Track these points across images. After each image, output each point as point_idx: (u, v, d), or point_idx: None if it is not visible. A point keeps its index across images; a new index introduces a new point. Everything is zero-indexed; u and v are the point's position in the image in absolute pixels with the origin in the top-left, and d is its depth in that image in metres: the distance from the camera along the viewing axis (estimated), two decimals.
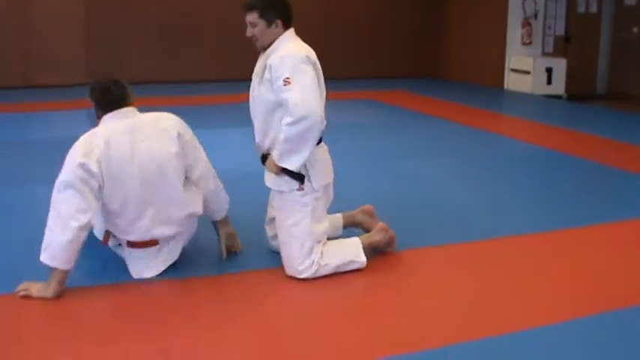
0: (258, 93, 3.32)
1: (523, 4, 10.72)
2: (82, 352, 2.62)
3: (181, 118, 3.42)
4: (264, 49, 3.34)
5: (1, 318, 2.90)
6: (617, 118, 8.86)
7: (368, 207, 3.77)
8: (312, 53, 3.32)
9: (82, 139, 3.18)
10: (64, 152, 3.12)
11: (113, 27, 10.48)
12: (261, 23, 3.29)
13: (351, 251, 3.39)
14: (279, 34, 3.31)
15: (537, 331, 2.81)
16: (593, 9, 11.14)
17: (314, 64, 3.27)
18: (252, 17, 3.30)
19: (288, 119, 3.14)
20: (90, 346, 2.66)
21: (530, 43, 10.82)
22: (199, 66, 10.91)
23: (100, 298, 3.09)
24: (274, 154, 3.26)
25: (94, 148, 3.11)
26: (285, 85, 3.14)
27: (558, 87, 10.53)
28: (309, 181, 3.28)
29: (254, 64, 3.42)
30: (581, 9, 11.09)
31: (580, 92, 10.66)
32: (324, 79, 3.34)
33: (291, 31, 3.36)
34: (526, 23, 10.77)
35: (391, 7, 12.04)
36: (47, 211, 3.04)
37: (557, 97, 10.41)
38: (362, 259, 3.39)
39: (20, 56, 10.09)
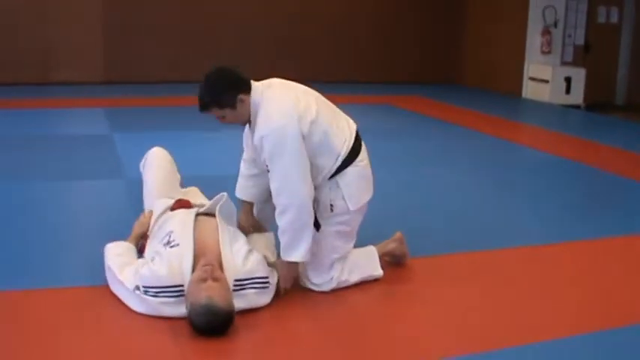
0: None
1: (543, 12, 10.66)
2: (88, 346, 2.63)
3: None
4: (249, 122, 3.12)
5: (10, 313, 2.90)
6: (636, 129, 8.78)
7: (399, 235, 3.55)
8: (288, 106, 3.00)
9: None
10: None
11: (132, 25, 10.51)
12: (227, 111, 3.03)
13: (370, 267, 3.32)
14: (250, 103, 3.04)
15: (549, 344, 2.78)
16: (614, 19, 11.06)
17: (298, 122, 2.97)
18: (214, 113, 3.05)
19: (276, 211, 3.03)
20: (96, 340, 2.67)
21: (549, 51, 10.75)
22: (217, 65, 10.92)
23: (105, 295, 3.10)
24: (281, 251, 3.06)
25: None
26: (268, 171, 3.02)
27: (577, 97, 10.46)
28: (344, 200, 3.12)
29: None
30: (602, 19, 11.01)
31: (599, 102, 10.59)
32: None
33: (257, 90, 3.06)
34: (546, 32, 10.71)
35: (409, 11, 11.99)
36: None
37: (576, 106, 10.34)
38: (379, 273, 3.34)
39: (38, 53, 10.14)
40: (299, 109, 3.03)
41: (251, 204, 3.44)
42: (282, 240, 3.03)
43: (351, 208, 3.15)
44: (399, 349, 2.72)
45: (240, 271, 2.91)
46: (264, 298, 2.97)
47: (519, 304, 3.18)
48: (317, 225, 3.11)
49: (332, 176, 3.11)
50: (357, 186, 3.18)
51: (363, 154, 3.23)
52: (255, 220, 3.45)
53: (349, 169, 3.14)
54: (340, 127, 3.17)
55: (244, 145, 3.37)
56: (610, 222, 4.50)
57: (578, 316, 3.07)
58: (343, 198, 3.13)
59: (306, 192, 2.99)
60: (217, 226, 3.06)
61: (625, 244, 4.08)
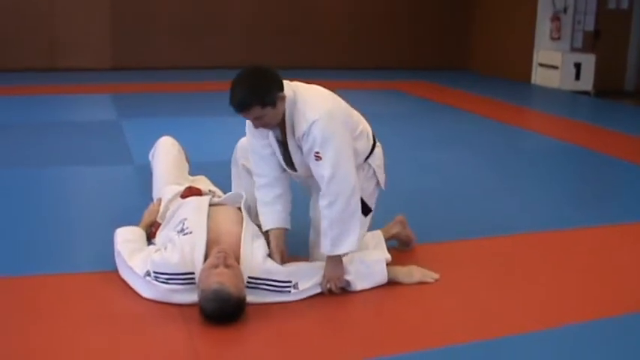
0: (307, 171, 3.02)
1: None
2: (96, 331, 2.64)
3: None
4: (282, 122, 2.95)
5: (19, 299, 2.91)
6: None
7: (400, 218, 3.53)
8: (326, 92, 3.01)
9: None
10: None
11: (139, 11, 10.50)
12: (268, 111, 2.83)
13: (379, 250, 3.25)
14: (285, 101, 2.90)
15: (558, 331, 2.77)
16: (624, 5, 10.97)
17: (339, 111, 2.97)
18: (254, 113, 2.83)
19: (324, 201, 2.89)
20: (110, 329, 2.68)
21: (559, 38, 10.68)
22: (225, 52, 10.90)
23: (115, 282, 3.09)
24: (324, 248, 2.94)
25: None
26: (316, 159, 2.87)
27: (586, 83, 10.39)
28: (377, 181, 3.23)
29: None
30: (612, 5, 10.92)
31: (608, 89, 10.52)
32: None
33: (288, 88, 2.92)
34: (555, 18, 10.63)
35: None
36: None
37: (585, 93, 10.29)
38: (387, 256, 3.24)
39: (46, 39, 10.14)
40: (334, 94, 3.06)
41: (282, 230, 3.13)
42: (330, 233, 2.91)
43: (383, 188, 3.27)
44: (407, 337, 2.71)
45: (257, 268, 2.87)
46: (279, 297, 2.90)
47: (527, 290, 3.16)
48: (367, 209, 3.14)
49: (365, 159, 3.16)
50: (382, 166, 3.29)
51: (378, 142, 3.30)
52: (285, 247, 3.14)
53: (376, 151, 3.24)
54: (357, 112, 3.23)
55: (259, 166, 3.14)
56: (620, 208, 4.47)
57: (587, 303, 3.05)
58: (377, 181, 3.23)
59: (355, 177, 2.95)
60: (236, 217, 3.05)
61: (635, 230, 4.06)
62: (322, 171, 2.88)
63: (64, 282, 3.07)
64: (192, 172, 3.93)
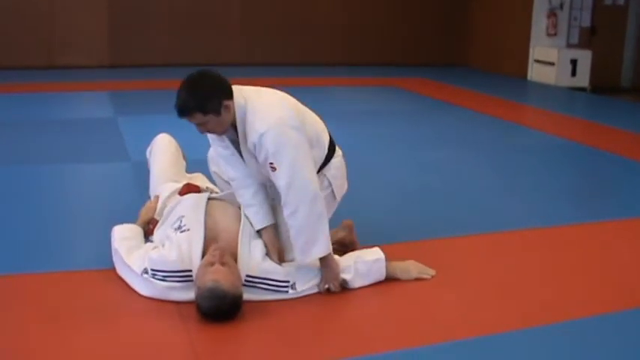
0: (263, 177, 3.01)
1: None
2: (94, 329, 2.64)
3: None
4: (235, 129, 2.91)
5: (16, 296, 2.92)
6: None
7: (347, 222, 3.43)
8: (278, 99, 2.97)
9: None
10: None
11: (137, 8, 10.48)
12: (210, 118, 2.79)
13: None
14: (234, 109, 2.85)
15: (557, 327, 2.78)
16: (620, 1, 10.98)
17: (293, 112, 2.92)
18: (196, 119, 2.80)
19: (286, 211, 2.85)
20: (107, 325, 2.68)
21: (555, 34, 10.69)
22: (223, 49, 10.89)
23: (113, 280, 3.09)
24: (296, 257, 2.92)
25: None
26: (272, 170, 2.84)
27: (583, 79, 10.40)
28: (333, 193, 3.15)
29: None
30: (608, 1, 10.93)
31: (605, 85, 10.53)
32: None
33: (238, 95, 2.87)
34: (551, 14, 10.64)
35: None
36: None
37: (582, 89, 10.29)
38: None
39: (44, 37, 10.12)
40: (288, 100, 3.02)
41: (270, 226, 3.06)
42: (299, 242, 2.87)
43: (337, 199, 3.19)
44: (405, 333, 2.72)
45: (255, 267, 2.87)
46: (276, 297, 2.91)
47: (525, 286, 3.17)
48: None
49: (319, 170, 3.08)
50: (340, 177, 3.21)
51: (337, 148, 3.24)
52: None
53: (333, 161, 3.17)
54: (316, 118, 3.17)
55: (227, 168, 3.10)
56: (617, 204, 4.48)
57: (586, 299, 3.05)
58: (332, 192, 3.16)
59: (316, 182, 2.91)
60: (234, 214, 3.04)
61: (633, 226, 4.07)
62: (279, 181, 2.86)
63: (60, 280, 3.07)
64: (189, 170, 3.93)
